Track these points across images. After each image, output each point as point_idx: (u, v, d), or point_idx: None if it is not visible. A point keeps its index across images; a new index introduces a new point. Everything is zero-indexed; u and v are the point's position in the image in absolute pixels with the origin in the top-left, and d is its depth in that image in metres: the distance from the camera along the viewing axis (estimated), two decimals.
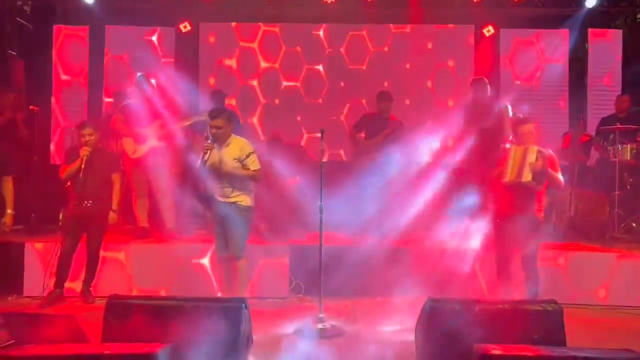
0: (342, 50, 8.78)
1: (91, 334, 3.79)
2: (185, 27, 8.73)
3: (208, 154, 5.19)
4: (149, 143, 6.49)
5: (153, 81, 6.92)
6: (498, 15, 8.73)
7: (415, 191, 6.49)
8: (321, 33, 8.82)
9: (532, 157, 5.00)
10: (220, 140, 5.24)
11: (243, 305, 3.70)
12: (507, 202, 5.10)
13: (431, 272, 5.88)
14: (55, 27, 8.74)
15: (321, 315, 4.98)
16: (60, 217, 5.95)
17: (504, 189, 5.12)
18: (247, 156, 5.22)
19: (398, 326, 5.06)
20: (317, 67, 8.77)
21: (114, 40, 8.74)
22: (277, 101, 8.80)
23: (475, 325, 3.59)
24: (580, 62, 8.94)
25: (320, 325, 4.92)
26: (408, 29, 8.86)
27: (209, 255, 6.14)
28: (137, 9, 8.48)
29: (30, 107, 7.06)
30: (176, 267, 6.17)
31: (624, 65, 8.83)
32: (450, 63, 8.79)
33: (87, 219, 5.79)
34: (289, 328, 4.97)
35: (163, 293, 6.04)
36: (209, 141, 5.24)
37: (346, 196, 6.29)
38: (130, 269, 6.18)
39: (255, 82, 8.80)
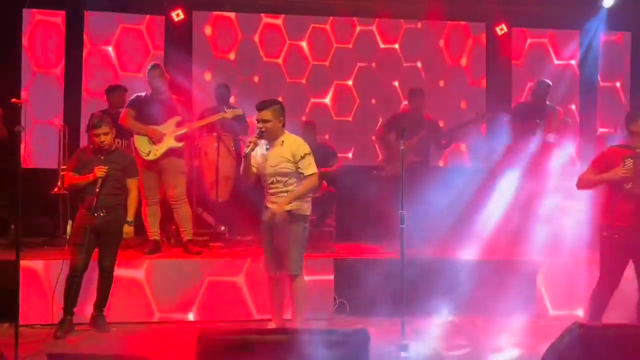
0: (350, 45, 8.22)
1: None
2: (178, 15, 7.91)
3: (250, 148, 4.52)
4: (165, 143, 5.70)
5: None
6: (511, 14, 8.46)
7: (473, 199, 6.03)
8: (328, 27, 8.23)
9: None
10: (268, 136, 4.57)
11: (368, 337, 3.06)
12: (630, 213, 4.39)
13: (488, 289, 5.46)
14: (25, 11, 7.73)
15: (404, 342, 4.38)
16: (68, 230, 5.08)
17: (626, 198, 4.39)
18: (303, 157, 4.56)
19: (488, 351, 4.57)
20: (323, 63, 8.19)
21: (94, 28, 7.82)
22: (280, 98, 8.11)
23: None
24: (592, 65, 8.78)
25: (404, 354, 4.34)
26: (419, 24, 8.36)
27: (243, 272, 5.49)
28: None
29: (13, 100, 6.09)
30: (198, 287, 5.46)
31: (632, 68, 8.77)
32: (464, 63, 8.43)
33: (100, 232, 4.97)
34: None
35: (191, 318, 5.29)
36: (255, 135, 4.56)
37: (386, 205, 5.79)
38: (148, 290, 5.42)
39: (256, 78, 8.09)
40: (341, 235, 6.65)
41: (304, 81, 8.02)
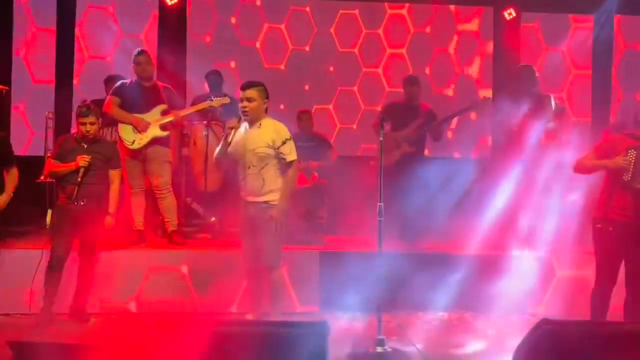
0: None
1: None
2: None
3: (232, 134, 4.60)
4: (150, 132, 5.84)
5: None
6: None
7: (460, 189, 6.11)
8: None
9: None
10: (251, 118, 4.63)
11: (327, 330, 3.18)
12: (625, 207, 4.36)
13: (479, 284, 5.55)
14: None
15: (381, 337, 4.50)
16: (48, 219, 5.25)
17: (623, 190, 4.33)
18: (284, 142, 4.60)
19: (468, 348, 4.67)
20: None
21: (88, 16, 7.95)
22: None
23: (608, 356, 3.17)
24: (606, 50, 8.74)
25: (380, 349, 4.45)
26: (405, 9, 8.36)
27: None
28: None
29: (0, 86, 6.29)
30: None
31: None
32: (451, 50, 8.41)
33: (81, 221, 5.13)
34: (339, 352, 4.47)
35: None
36: (234, 118, 4.65)
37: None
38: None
39: (232, 64, 8.10)
40: (332, 228, 6.76)
41: (282, 67, 8.09)
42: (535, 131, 6.20)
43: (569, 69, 8.53)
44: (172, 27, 8.05)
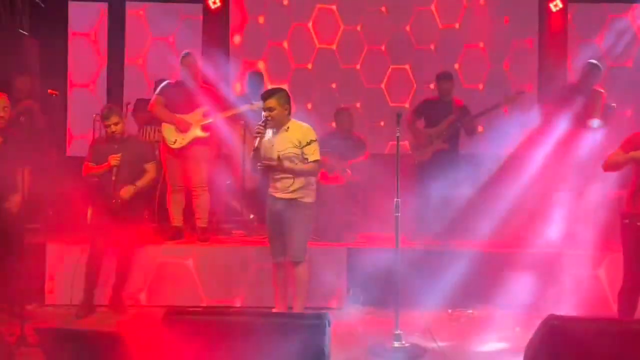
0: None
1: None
2: (214, 2, 8.29)
3: (258, 141, 4.80)
4: (192, 133, 6.05)
5: None
6: None
7: (496, 186, 6.07)
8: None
9: None
10: (274, 124, 4.85)
11: (327, 322, 3.31)
12: None
13: (510, 281, 5.51)
14: (70, 3, 8.37)
15: (398, 332, 4.57)
16: (89, 215, 5.59)
17: None
18: (309, 143, 4.82)
19: (489, 345, 4.68)
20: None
21: (134, 19, 8.33)
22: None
23: (614, 353, 3.16)
24: None
25: (397, 344, 4.53)
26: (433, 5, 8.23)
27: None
28: None
29: (49, 90, 6.69)
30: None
31: None
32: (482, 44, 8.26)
33: (118, 218, 5.42)
34: (358, 346, 4.58)
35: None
36: (260, 124, 4.84)
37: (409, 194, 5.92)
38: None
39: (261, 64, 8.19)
40: (365, 225, 6.81)
41: (309, 66, 8.16)
42: (581, 127, 6.11)
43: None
44: (215, 30, 8.30)
